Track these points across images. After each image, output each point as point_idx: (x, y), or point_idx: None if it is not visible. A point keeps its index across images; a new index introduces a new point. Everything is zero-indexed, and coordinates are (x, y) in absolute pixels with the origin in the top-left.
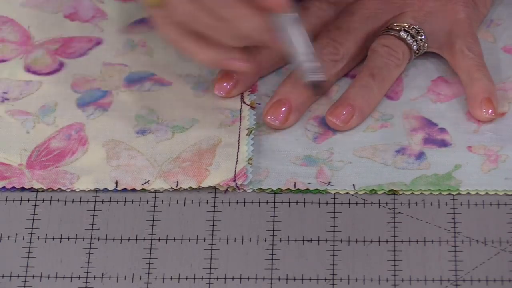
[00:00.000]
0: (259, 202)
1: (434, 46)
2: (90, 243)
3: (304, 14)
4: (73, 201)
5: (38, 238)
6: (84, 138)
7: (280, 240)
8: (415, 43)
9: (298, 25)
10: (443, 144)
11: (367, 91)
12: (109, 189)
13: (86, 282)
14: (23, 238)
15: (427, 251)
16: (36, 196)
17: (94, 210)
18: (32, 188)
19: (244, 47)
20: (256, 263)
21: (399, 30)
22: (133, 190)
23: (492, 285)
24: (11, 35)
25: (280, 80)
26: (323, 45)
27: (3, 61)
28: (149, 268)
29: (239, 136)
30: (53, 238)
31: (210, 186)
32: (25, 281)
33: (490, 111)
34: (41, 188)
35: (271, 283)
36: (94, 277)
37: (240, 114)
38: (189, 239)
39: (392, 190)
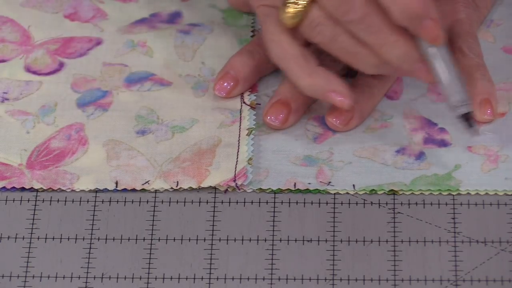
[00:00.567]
0: (259, 202)
1: None
2: (90, 243)
3: None
4: (73, 201)
5: (38, 238)
6: (84, 138)
7: (280, 240)
8: None
9: (445, 55)
10: (443, 144)
11: (367, 91)
12: (109, 189)
13: (86, 282)
14: (23, 238)
15: (427, 251)
16: (36, 196)
17: (94, 210)
18: (32, 188)
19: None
20: (256, 263)
21: None
22: (133, 190)
23: (492, 285)
24: (11, 35)
25: (280, 80)
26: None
27: (3, 61)
28: (149, 268)
29: (239, 136)
30: (53, 238)
31: (210, 186)
32: (25, 281)
33: (489, 111)
34: (41, 188)
35: (271, 283)
36: (94, 277)
37: (240, 114)
38: (189, 239)
39: (392, 190)
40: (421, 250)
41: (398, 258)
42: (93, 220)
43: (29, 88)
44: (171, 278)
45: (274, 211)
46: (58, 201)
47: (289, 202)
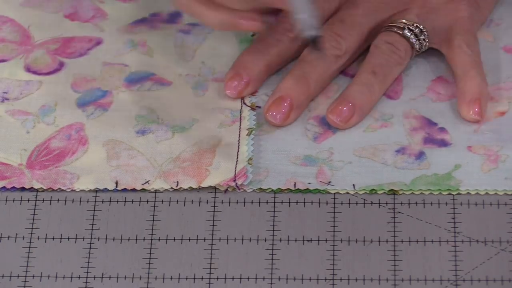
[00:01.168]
0: (259, 202)
1: (434, 41)
2: (90, 243)
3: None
4: (73, 201)
5: (38, 238)
6: (84, 138)
7: (280, 240)
8: (417, 42)
9: None
10: (443, 143)
11: (368, 88)
12: (109, 189)
13: (86, 282)
14: (23, 238)
15: (427, 251)
16: (36, 196)
17: (94, 210)
18: (32, 188)
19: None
20: (256, 263)
21: (403, 28)
22: (133, 190)
23: (492, 285)
24: (11, 35)
25: (280, 80)
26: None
27: (3, 61)
28: (149, 268)
29: (239, 136)
30: (53, 238)
31: (210, 186)
32: (25, 281)
33: (476, 110)
34: (41, 188)
35: (271, 283)
36: (94, 277)
37: (240, 114)
38: (189, 239)
39: (392, 190)
40: (421, 250)
41: (398, 258)
42: (93, 220)
43: (29, 88)
44: (171, 278)
45: (274, 211)
46: (58, 201)
47: (289, 202)
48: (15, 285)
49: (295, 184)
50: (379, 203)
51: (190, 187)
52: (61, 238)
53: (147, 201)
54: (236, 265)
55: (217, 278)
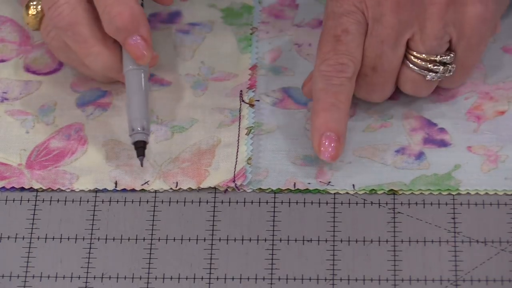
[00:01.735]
0: (259, 202)
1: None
2: (90, 243)
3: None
4: (73, 201)
5: (38, 238)
6: (84, 138)
7: (280, 240)
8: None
9: (141, 78)
10: (443, 144)
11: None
12: (109, 189)
13: (86, 282)
14: (23, 238)
15: (427, 251)
16: (36, 196)
17: (94, 210)
18: (31, 188)
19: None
20: (256, 263)
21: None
22: (133, 190)
23: (492, 285)
24: (10, 35)
25: (280, 80)
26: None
27: (2, 61)
28: (149, 268)
29: (239, 136)
30: (53, 238)
31: (210, 186)
32: (25, 281)
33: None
34: (41, 188)
35: (271, 283)
36: (94, 277)
37: (240, 114)
38: (189, 239)
39: (392, 190)
40: (421, 250)
41: (398, 258)
42: (93, 220)
43: (29, 88)
44: (171, 278)
45: (274, 211)
46: (58, 201)
47: (289, 202)
48: (15, 285)
49: (295, 184)
50: (379, 203)
51: (190, 187)
52: (61, 238)
53: (147, 201)
54: (236, 265)
55: (217, 278)
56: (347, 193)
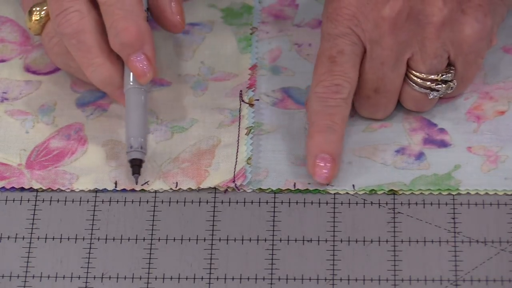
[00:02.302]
0: (259, 202)
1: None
2: (90, 243)
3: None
4: (73, 201)
5: (38, 238)
6: (84, 138)
7: (280, 240)
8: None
9: (141, 96)
10: (443, 144)
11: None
12: (109, 189)
13: (86, 282)
14: (23, 238)
15: (427, 251)
16: (36, 196)
17: (94, 210)
18: (31, 188)
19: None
20: (256, 263)
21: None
22: (133, 190)
23: (492, 285)
24: (10, 35)
25: (280, 80)
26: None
27: (2, 61)
28: (149, 268)
29: (239, 136)
30: (53, 238)
31: (210, 186)
32: (25, 281)
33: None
34: (41, 188)
35: (271, 283)
36: (94, 277)
37: (240, 114)
38: (189, 239)
39: (392, 190)
40: (421, 250)
41: (398, 258)
42: (93, 220)
43: (29, 88)
44: (171, 278)
45: (274, 211)
46: (58, 201)
47: (289, 202)
48: (15, 285)
49: (295, 184)
50: (379, 203)
51: (190, 188)
52: (61, 238)
53: (147, 201)
54: (236, 265)
55: (217, 278)
56: (347, 193)
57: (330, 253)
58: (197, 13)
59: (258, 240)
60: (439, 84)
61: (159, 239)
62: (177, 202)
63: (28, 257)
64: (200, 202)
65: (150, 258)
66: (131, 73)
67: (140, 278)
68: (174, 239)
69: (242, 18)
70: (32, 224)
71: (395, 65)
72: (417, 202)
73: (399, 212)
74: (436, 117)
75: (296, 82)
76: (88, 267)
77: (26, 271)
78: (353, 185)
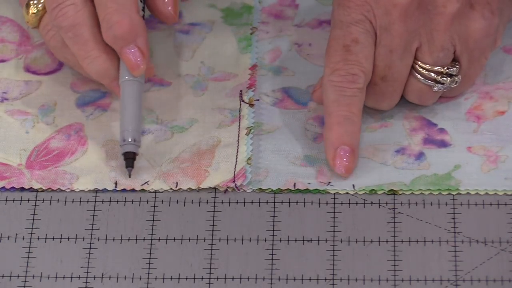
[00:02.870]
0: (259, 202)
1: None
2: (90, 243)
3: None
4: (73, 201)
5: (38, 238)
6: (84, 138)
7: (280, 240)
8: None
9: (135, 90)
10: (443, 144)
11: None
12: (109, 189)
13: (86, 282)
14: (23, 238)
15: (427, 251)
16: (36, 196)
17: (94, 210)
18: (31, 188)
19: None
20: (256, 263)
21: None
22: (133, 190)
23: (492, 285)
24: (10, 35)
25: (280, 80)
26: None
27: (2, 61)
28: (149, 268)
29: (239, 136)
30: (53, 238)
31: (210, 187)
32: (25, 281)
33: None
34: (41, 188)
35: (271, 283)
36: (94, 277)
37: (240, 114)
38: (189, 239)
39: (392, 190)
40: (421, 250)
41: (398, 258)
42: (93, 220)
43: (29, 88)
44: (171, 278)
45: (274, 211)
46: (58, 201)
47: (289, 202)
48: (15, 285)
49: (295, 185)
50: (379, 203)
51: (190, 188)
52: (61, 238)
53: (147, 201)
54: (236, 265)
55: (217, 278)
56: (347, 193)
57: (330, 253)
58: (197, 13)
59: (258, 240)
60: (444, 77)
61: (159, 239)
62: (177, 202)
63: (28, 257)
64: (200, 202)
65: (150, 258)
66: (126, 67)
67: (140, 278)
68: (174, 239)
69: (242, 18)
70: (32, 224)
71: (403, 54)
72: (417, 202)
73: (399, 212)
74: (436, 117)
75: (296, 82)
76: (88, 267)
77: (26, 271)
78: (353, 185)
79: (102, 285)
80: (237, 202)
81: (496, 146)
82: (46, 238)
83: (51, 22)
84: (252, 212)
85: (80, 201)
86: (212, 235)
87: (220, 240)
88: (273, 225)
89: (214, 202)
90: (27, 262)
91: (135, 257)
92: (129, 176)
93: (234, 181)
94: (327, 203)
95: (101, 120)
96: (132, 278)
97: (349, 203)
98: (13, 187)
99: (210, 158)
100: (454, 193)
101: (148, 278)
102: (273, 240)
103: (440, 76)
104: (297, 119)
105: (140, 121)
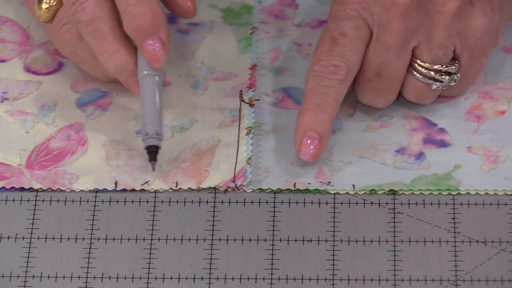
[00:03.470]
0: (259, 202)
1: None
2: (90, 243)
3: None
4: (73, 201)
5: (38, 238)
6: (84, 138)
7: (280, 240)
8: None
9: (155, 83)
10: (443, 144)
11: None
12: (109, 189)
13: (86, 282)
14: (23, 238)
15: (427, 251)
16: (36, 196)
17: (94, 210)
18: (31, 188)
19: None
20: (256, 263)
21: (435, 78)
22: (133, 190)
23: (492, 285)
24: (11, 35)
25: (280, 80)
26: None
27: (2, 61)
28: (149, 268)
29: (239, 136)
30: (53, 238)
31: (210, 186)
32: (25, 281)
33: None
34: (41, 188)
35: (271, 283)
36: (94, 277)
37: (240, 114)
38: (189, 239)
39: (392, 190)
40: (421, 250)
41: (398, 258)
42: (93, 220)
43: (29, 88)
44: (171, 278)
45: (274, 211)
46: (58, 201)
47: (289, 202)
48: (15, 285)
49: (295, 184)
50: (379, 203)
51: (190, 188)
52: (61, 238)
53: (147, 201)
54: (236, 265)
55: (217, 278)
56: (347, 193)
57: (330, 253)
58: (197, 13)
59: (258, 240)
60: (443, 75)
61: (159, 239)
62: (177, 202)
63: (28, 257)
64: (200, 202)
65: (150, 258)
66: (145, 61)
67: (140, 278)
68: (174, 239)
69: (242, 18)
70: (32, 224)
71: (400, 52)
72: (417, 202)
73: (399, 212)
74: (436, 117)
75: (296, 82)
76: (88, 267)
77: (26, 271)
78: (353, 185)
79: (102, 285)
80: (237, 202)
81: (496, 146)
82: (46, 238)
83: (70, 16)
84: (252, 212)
85: (80, 201)
86: (212, 235)
87: (220, 240)
88: (273, 225)
89: (214, 202)
90: (27, 262)
91: (135, 257)
92: (153, 170)
93: (234, 181)
94: (327, 203)
95: (101, 120)
96: (132, 278)
97: (349, 203)
98: (13, 187)
99: (210, 158)
100: (454, 193)
101: (148, 278)
102: (273, 240)
103: (438, 75)
104: None
105: (161, 115)
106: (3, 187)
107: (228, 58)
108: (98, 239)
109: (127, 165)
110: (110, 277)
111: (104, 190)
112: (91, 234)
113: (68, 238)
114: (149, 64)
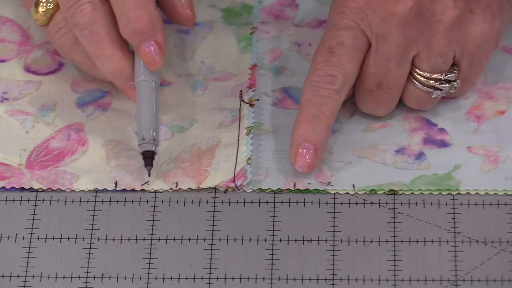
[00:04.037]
0: (259, 202)
1: None
2: (90, 243)
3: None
4: (73, 201)
5: (38, 238)
6: (84, 138)
7: (280, 240)
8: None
9: (152, 87)
10: (443, 144)
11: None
12: (109, 189)
13: (86, 282)
14: (23, 238)
15: (427, 251)
16: (36, 196)
17: (94, 210)
18: (31, 188)
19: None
20: (256, 263)
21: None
22: (133, 190)
23: (492, 285)
24: (11, 35)
25: (280, 80)
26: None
27: (2, 61)
28: (149, 268)
29: (239, 136)
30: (53, 238)
31: (210, 186)
32: (25, 281)
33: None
34: (41, 188)
35: (271, 283)
36: (94, 277)
37: (240, 114)
38: (189, 239)
39: (392, 190)
40: (421, 250)
41: (398, 258)
42: (93, 220)
43: (29, 88)
44: (171, 278)
45: (274, 211)
46: (58, 201)
47: (289, 202)
48: (15, 285)
49: (295, 184)
50: (379, 203)
51: (190, 188)
52: (61, 238)
53: (147, 201)
54: (236, 265)
55: (217, 278)
56: (347, 193)
57: (330, 253)
58: (197, 13)
59: (258, 240)
60: (442, 83)
61: (159, 239)
62: (177, 202)
63: (28, 257)
64: (200, 202)
65: (150, 258)
66: (142, 66)
67: (140, 278)
68: (174, 239)
69: (242, 18)
70: (32, 224)
71: (400, 62)
72: (417, 202)
73: (399, 212)
74: (436, 117)
75: (296, 82)
76: (88, 267)
77: (26, 271)
78: (353, 185)
79: (102, 285)
80: (237, 202)
81: (496, 146)
82: (46, 238)
83: (67, 19)
84: (252, 212)
85: (80, 201)
86: (212, 235)
87: (220, 240)
88: (273, 225)
89: (214, 202)
90: (27, 262)
91: (135, 257)
92: (149, 175)
93: (234, 181)
94: (327, 203)
95: (101, 120)
96: (132, 278)
97: (349, 203)
98: (13, 187)
99: (210, 158)
100: (454, 193)
101: (148, 278)
102: (273, 240)
103: (438, 83)
104: None
105: (158, 120)
106: (3, 187)
107: (228, 58)
108: (98, 239)
109: (127, 165)
110: (110, 277)
111: (104, 190)
112: (91, 234)
113: (68, 238)
114: (146, 69)
